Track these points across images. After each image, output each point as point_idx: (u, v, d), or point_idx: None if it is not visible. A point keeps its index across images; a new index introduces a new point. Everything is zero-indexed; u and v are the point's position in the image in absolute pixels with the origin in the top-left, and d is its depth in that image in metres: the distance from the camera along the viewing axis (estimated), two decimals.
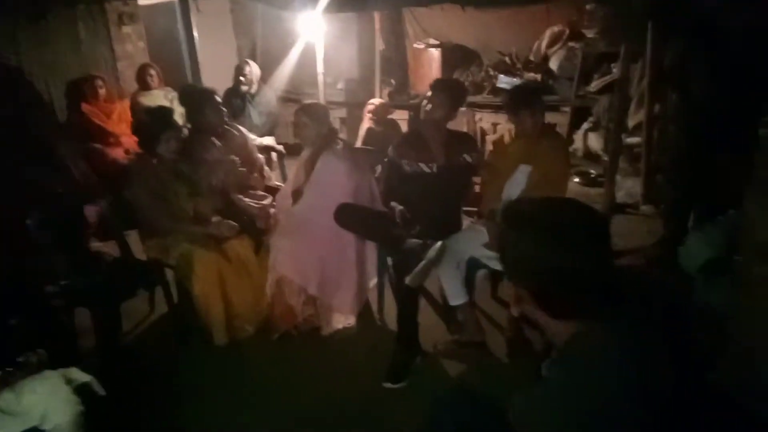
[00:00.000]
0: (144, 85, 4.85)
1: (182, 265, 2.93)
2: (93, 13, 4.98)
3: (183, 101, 3.69)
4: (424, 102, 2.93)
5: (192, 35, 5.67)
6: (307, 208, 2.98)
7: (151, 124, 3.01)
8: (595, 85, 5.33)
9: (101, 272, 2.92)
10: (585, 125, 5.43)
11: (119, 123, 4.61)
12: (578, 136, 5.47)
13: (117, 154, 4.46)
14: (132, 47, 5.49)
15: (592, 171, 5.14)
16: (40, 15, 4.50)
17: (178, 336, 3.06)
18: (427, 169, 2.90)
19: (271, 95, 4.97)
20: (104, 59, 5.22)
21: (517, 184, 2.70)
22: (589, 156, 5.44)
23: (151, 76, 4.85)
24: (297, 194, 3.07)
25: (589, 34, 5.46)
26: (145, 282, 3.09)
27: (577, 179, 5.03)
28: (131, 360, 2.94)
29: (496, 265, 2.44)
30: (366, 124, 4.49)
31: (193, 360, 2.88)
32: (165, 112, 3.08)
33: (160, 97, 4.80)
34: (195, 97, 3.49)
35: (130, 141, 4.53)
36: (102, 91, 4.61)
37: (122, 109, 4.72)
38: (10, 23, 4.39)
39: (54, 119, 4.49)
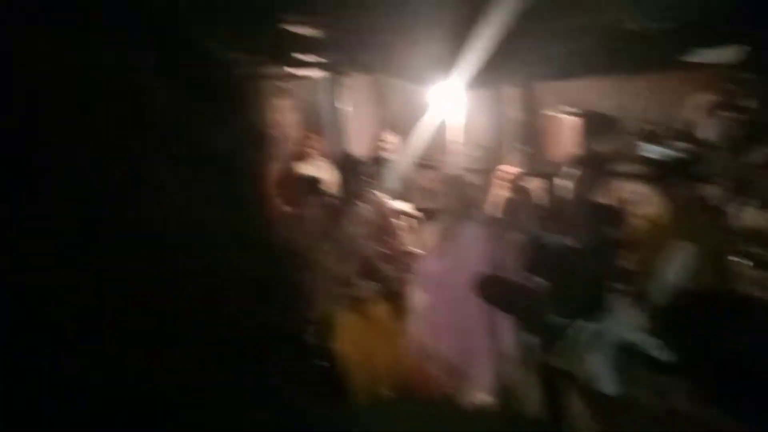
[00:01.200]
0: (301, 156, 5.27)
1: (323, 325, 3.07)
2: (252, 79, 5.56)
3: (334, 168, 3.98)
4: (566, 173, 2.91)
5: (337, 107, 6.13)
6: (445, 274, 3.02)
7: (300, 188, 3.27)
8: (756, 156, 4.95)
9: None
10: (744, 199, 5.02)
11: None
12: (739, 212, 5.06)
13: None
14: (287, 119, 6.02)
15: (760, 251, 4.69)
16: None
17: None
18: (569, 243, 2.84)
19: (407, 162, 5.19)
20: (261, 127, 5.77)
21: (677, 265, 2.55)
22: (754, 234, 4.98)
23: (307, 147, 5.27)
24: (435, 261, 3.14)
25: (744, 102, 5.13)
26: None
27: (744, 260, 4.61)
28: None
29: (657, 353, 2.28)
30: (498, 191, 4.50)
31: None
32: (312, 180, 3.34)
33: (312, 165, 5.18)
34: (342, 164, 3.75)
35: None
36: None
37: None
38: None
39: None
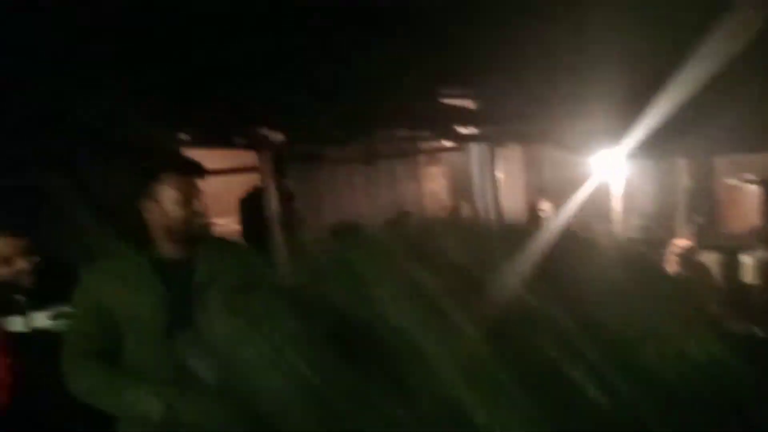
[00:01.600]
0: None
1: None
2: (408, 153, 5.79)
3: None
4: (749, 250, 2.59)
5: (487, 174, 6.14)
6: None
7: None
8: None
9: None
10: None
11: None
12: None
13: None
14: (436, 185, 6.17)
15: None
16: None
17: None
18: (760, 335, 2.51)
19: (562, 230, 4.99)
20: (413, 195, 5.96)
21: None
22: None
23: (459, 213, 5.34)
24: None
25: None
26: None
27: None
28: None
29: None
30: (671, 267, 4.14)
31: None
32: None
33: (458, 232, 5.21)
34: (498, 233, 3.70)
35: None
36: None
37: None
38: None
39: None
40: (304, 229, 4.74)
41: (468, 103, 4.34)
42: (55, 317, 2.03)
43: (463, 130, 4.27)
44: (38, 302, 2.05)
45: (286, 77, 2.86)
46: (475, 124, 4.24)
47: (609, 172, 4.95)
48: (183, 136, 3.12)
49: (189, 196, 1.78)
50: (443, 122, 4.41)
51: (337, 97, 3.14)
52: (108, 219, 2.08)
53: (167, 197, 1.77)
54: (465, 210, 5.40)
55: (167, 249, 1.81)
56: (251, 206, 3.86)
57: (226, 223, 4.20)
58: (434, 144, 5.20)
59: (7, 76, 1.96)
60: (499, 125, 4.10)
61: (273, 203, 3.44)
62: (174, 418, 1.67)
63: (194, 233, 1.82)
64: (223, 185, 3.88)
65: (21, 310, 2.02)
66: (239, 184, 4.15)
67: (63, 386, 1.73)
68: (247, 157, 4.22)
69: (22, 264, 2.02)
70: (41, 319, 2.02)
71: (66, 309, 1.99)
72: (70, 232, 2.17)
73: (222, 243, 1.95)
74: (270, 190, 3.43)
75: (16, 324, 2.00)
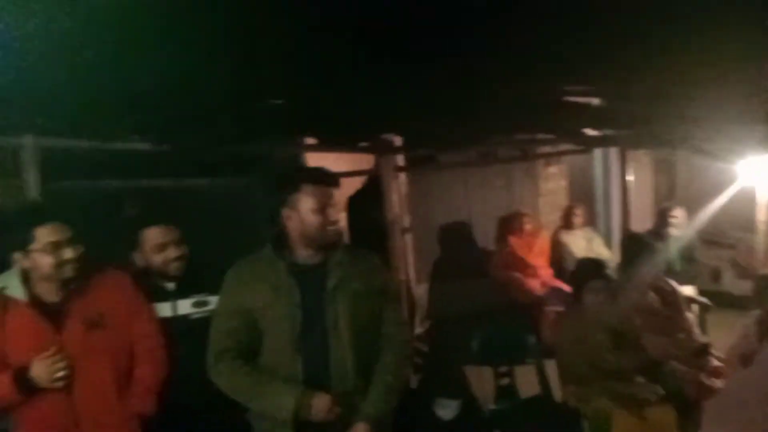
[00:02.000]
0: (567, 224, 5.13)
1: (598, 421, 2.84)
2: (527, 155, 5.61)
3: (623, 247, 3.73)
4: None
5: (615, 178, 5.81)
6: (758, 379, 2.54)
7: (585, 273, 3.10)
8: None
9: (518, 401, 3.07)
10: None
11: (539, 256, 4.93)
12: None
13: (533, 284, 4.75)
14: (554, 185, 5.93)
15: None
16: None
17: None
18: None
19: (694, 239, 4.62)
20: (529, 195, 5.77)
21: None
22: None
23: (575, 215, 5.10)
24: (745, 360, 2.66)
25: None
26: (560, 426, 3.08)
27: None
28: None
29: None
30: None
31: None
32: (597, 263, 3.15)
33: (580, 236, 4.98)
34: (633, 244, 3.48)
35: (546, 274, 4.82)
36: (528, 227, 5.05)
37: (543, 243, 5.05)
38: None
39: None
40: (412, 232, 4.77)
41: (594, 102, 4.11)
42: (197, 305, 2.19)
43: (590, 132, 4.03)
44: (184, 290, 2.22)
45: (406, 81, 2.86)
46: (604, 126, 3.99)
47: (755, 179, 4.48)
48: (310, 141, 3.22)
49: (325, 205, 1.87)
50: (567, 123, 4.20)
51: (453, 100, 3.09)
52: (254, 223, 2.20)
53: (305, 206, 1.85)
54: (582, 213, 5.15)
55: (303, 254, 1.91)
56: (360, 207, 3.93)
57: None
58: (556, 146, 4.99)
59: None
60: (631, 128, 3.83)
61: (393, 206, 3.46)
62: (303, 416, 1.78)
63: (328, 240, 1.89)
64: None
65: (168, 297, 2.19)
66: (349, 186, 4.26)
67: (202, 369, 1.88)
68: (361, 160, 4.31)
69: (173, 253, 2.18)
70: (185, 306, 2.18)
71: (206, 298, 2.16)
72: (219, 231, 2.32)
73: (352, 250, 2.00)
74: (390, 193, 3.45)
75: (164, 309, 2.16)
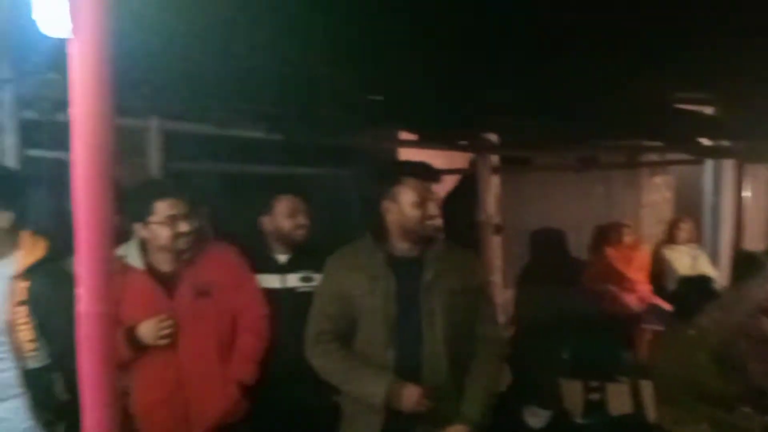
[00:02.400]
0: (671, 238, 4.85)
1: None
2: (631, 162, 5.34)
3: (735, 266, 3.49)
4: None
5: (721, 191, 5.42)
6: None
7: (691, 293, 2.93)
8: None
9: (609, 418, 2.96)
10: None
11: (638, 270, 4.70)
12: None
13: (630, 300, 4.53)
14: (658, 196, 5.62)
15: None
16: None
17: None
18: None
19: None
20: (631, 205, 5.51)
21: None
22: None
23: (681, 230, 4.81)
24: None
25: None
26: None
27: None
28: None
29: None
30: None
31: None
32: (708, 283, 2.96)
33: (684, 252, 4.69)
34: (746, 263, 3.25)
35: (645, 289, 4.58)
36: (627, 239, 4.82)
37: (643, 257, 4.81)
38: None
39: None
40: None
41: (709, 111, 3.85)
42: (304, 279, 2.28)
43: (705, 142, 3.78)
44: (293, 265, 2.32)
45: (509, 79, 2.81)
46: (719, 137, 3.73)
47: None
48: (408, 136, 3.24)
49: (425, 199, 1.89)
50: (678, 131, 3.96)
51: (556, 100, 3.00)
52: (352, 213, 2.24)
53: (405, 199, 1.88)
54: (689, 228, 4.84)
55: (400, 247, 1.95)
56: (453, 206, 3.91)
57: None
58: (663, 155, 4.72)
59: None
60: (750, 140, 3.56)
61: (487, 205, 3.42)
62: (393, 405, 1.81)
63: (425, 234, 1.92)
64: None
65: (279, 269, 2.30)
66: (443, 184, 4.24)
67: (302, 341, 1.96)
68: (454, 159, 4.29)
69: (302, 220, 2.30)
70: (293, 280, 2.28)
71: (312, 274, 2.25)
72: (321, 217, 2.40)
73: (449, 246, 2.00)
74: (486, 193, 3.41)
75: (274, 281, 2.26)
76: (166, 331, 1.93)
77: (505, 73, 2.67)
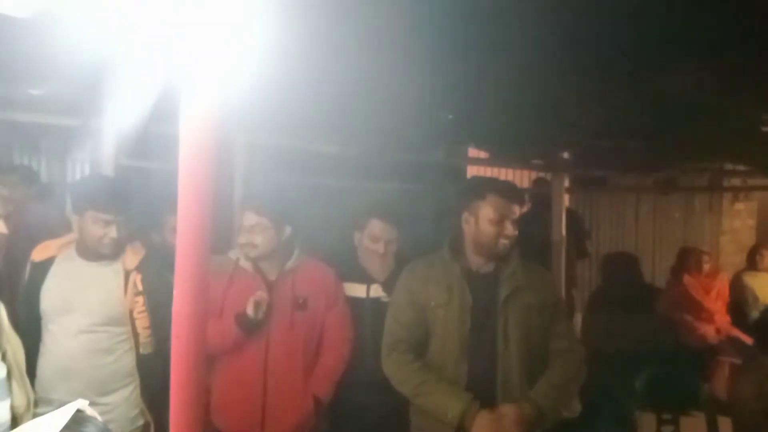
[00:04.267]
0: (753, 265, 4.60)
1: None
2: (713, 187, 5.12)
3: None
4: None
5: None
6: None
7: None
8: None
9: None
10: None
11: (716, 300, 4.47)
12: None
13: (707, 330, 4.31)
14: (740, 223, 5.35)
15: None
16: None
17: None
18: None
19: None
20: (710, 231, 5.26)
21: None
22: None
23: (764, 256, 4.56)
24: None
25: None
26: None
27: None
28: None
29: None
30: None
31: None
32: None
33: (767, 280, 4.44)
34: None
35: (723, 320, 4.35)
36: (706, 266, 4.60)
37: (722, 286, 4.57)
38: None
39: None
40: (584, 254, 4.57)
41: None
42: (386, 289, 2.28)
43: None
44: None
45: (584, 97, 2.77)
46: None
47: None
48: (482, 155, 3.24)
49: (504, 218, 1.89)
50: (765, 156, 3.77)
51: (634, 119, 2.92)
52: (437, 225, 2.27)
53: (484, 215, 1.90)
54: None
55: (475, 261, 1.96)
56: (529, 224, 3.86)
57: None
58: (746, 180, 4.50)
59: None
60: None
61: (561, 226, 3.36)
62: (465, 424, 1.80)
63: (498, 252, 1.92)
64: None
65: (366, 279, 2.34)
66: None
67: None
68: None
69: (383, 248, 2.31)
70: (377, 290, 2.32)
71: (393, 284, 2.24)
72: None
73: (524, 262, 2.00)
74: (560, 212, 3.36)
75: (358, 290, 2.32)
76: (264, 306, 2.02)
77: (583, 91, 2.64)
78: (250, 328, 2.02)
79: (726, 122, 3.19)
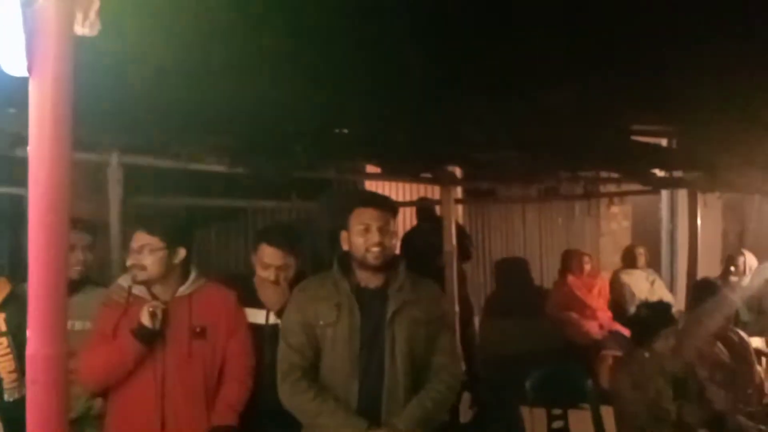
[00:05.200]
0: (629, 263, 4.99)
1: None
2: (589, 193, 5.51)
3: (691, 292, 3.60)
4: None
5: (676, 220, 5.62)
6: None
7: (649, 317, 3.00)
8: None
9: None
10: None
11: (598, 297, 4.81)
12: None
13: (591, 326, 4.61)
14: (616, 225, 5.79)
15: None
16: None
17: None
18: None
19: (764, 289, 4.38)
20: (590, 234, 5.65)
21: None
22: None
23: (639, 255, 4.96)
24: None
25: None
26: None
27: None
28: None
29: None
30: None
31: None
32: (665, 308, 3.04)
33: (642, 278, 4.83)
34: (703, 290, 3.35)
35: (605, 316, 4.68)
36: (587, 267, 4.94)
37: (603, 284, 4.93)
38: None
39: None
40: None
41: (663, 142, 4.01)
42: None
43: (659, 173, 3.93)
44: None
45: (470, 112, 2.88)
46: (673, 168, 3.88)
47: None
48: (373, 169, 3.28)
49: (368, 227, 1.90)
50: (634, 163, 4.09)
51: (517, 133, 3.08)
52: (323, 245, 2.25)
53: (353, 227, 1.93)
54: (645, 253, 5.00)
55: (363, 277, 1.96)
56: (417, 238, 3.95)
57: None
58: (621, 185, 4.87)
59: None
60: (704, 171, 3.71)
61: (451, 237, 3.46)
62: None
63: (370, 262, 1.92)
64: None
65: (264, 305, 2.26)
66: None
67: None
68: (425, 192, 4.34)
69: (275, 273, 2.23)
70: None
71: None
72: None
73: (412, 277, 2.03)
74: (450, 224, 3.46)
75: (259, 316, 2.23)
76: (160, 314, 1.94)
77: (469, 106, 2.74)
78: (149, 339, 1.92)
79: (599, 133, 3.43)
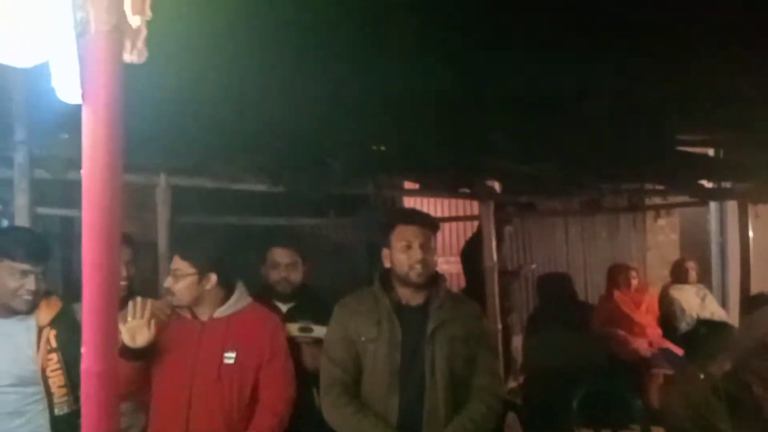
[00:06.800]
0: (679, 278, 4.82)
1: None
2: (634, 206, 5.38)
3: (746, 307, 3.46)
4: None
5: (726, 232, 5.42)
6: None
7: (708, 337, 2.90)
8: None
9: None
10: None
11: (646, 314, 4.65)
12: None
13: (639, 344, 4.46)
14: (664, 238, 5.62)
15: None
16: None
17: None
18: None
19: None
20: (636, 248, 5.50)
21: None
22: None
23: (689, 269, 4.79)
24: None
25: None
26: None
27: None
28: None
29: None
30: None
31: None
32: (727, 330, 2.93)
33: (692, 293, 4.66)
34: (759, 305, 3.21)
35: (654, 333, 4.52)
36: (634, 282, 4.79)
37: (651, 300, 4.77)
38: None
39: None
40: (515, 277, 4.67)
41: (711, 153, 3.89)
42: (302, 330, 2.26)
43: (707, 185, 3.81)
44: (293, 314, 2.33)
45: (509, 125, 2.86)
46: (721, 178, 3.76)
47: None
48: (411, 185, 3.29)
49: (410, 244, 1.92)
50: (681, 175, 3.98)
51: (558, 145, 3.04)
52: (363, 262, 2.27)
53: (396, 244, 1.95)
54: (696, 267, 4.82)
55: (404, 294, 1.97)
56: (472, 254, 3.93)
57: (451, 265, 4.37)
58: (667, 197, 4.75)
59: None
60: (754, 182, 3.58)
61: (492, 252, 3.43)
62: None
63: (417, 279, 1.93)
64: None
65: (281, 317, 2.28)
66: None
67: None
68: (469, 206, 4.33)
69: (283, 273, 2.36)
70: (293, 329, 2.25)
71: (311, 325, 2.25)
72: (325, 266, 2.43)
73: (454, 295, 2.04)
74: (489, 239, 3.43)
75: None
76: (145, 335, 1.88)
77: (508, 120, 2.73)
78: (137, 356, 1.89)
79: (642, 143, 3.35)
